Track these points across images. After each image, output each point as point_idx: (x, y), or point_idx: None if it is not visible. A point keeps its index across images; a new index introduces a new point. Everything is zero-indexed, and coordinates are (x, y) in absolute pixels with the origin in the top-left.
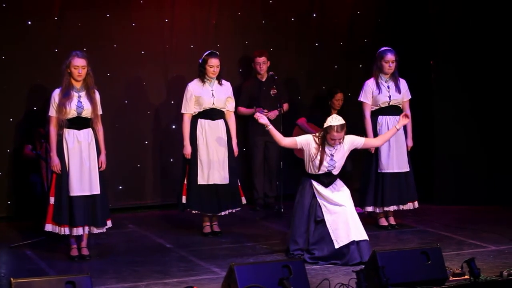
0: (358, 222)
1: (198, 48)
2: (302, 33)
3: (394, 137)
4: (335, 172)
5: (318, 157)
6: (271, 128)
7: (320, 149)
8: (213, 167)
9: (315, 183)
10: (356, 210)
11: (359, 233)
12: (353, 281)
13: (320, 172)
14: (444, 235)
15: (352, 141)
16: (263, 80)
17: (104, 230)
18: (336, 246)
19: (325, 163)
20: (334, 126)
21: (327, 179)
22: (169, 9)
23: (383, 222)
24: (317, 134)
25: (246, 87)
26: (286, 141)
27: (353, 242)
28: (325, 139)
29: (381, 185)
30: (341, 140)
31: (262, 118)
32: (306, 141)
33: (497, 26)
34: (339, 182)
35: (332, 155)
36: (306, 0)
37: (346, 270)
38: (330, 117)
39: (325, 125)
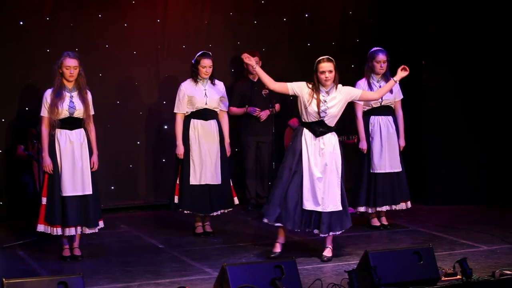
0: (334, 192)
1: (190, 48)
2: (294, 33)
3: (386, 137)
4: (329, 121)
5: (312, 102)
6: (257, 68)
7: (314, 94)
8: (206, 167)
9: (306, 132)
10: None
11: (333, 204)
12: (346, 281)
13: (313, 119)
14: (436, 235)
15: (349, 92)
16: (255, 80)
17: (96, 231)
18: (304, 207)
19: (319, 109)
20: (321, 58)
21: (319, 128)
22: (161, 10)
23: (375, 222)
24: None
25: (238, 87)
26: (276, 85)
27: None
28: (318, 81)
29: (374, 185)
30: (333, 74)
31: (249, 58)
32: (299, 87)
33: (489, 26)
34: (334, 138)
35: (325, 100)
36: (298, 0)
37: (338, 270)
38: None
39: (314, 67)
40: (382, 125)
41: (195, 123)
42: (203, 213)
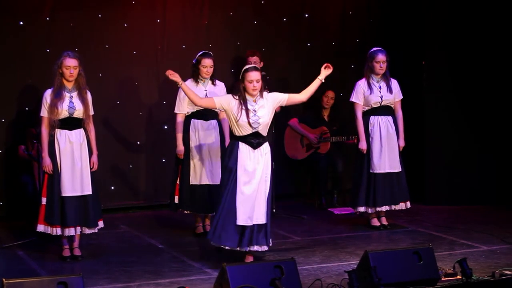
0: (264, 205)
1: (190, 48)
2: (294, 33)
3: (386, 137)
4: (262, 131)
5: (242, 115)
6: (183, 85)
7: (242, 105)
8: (206, 167)
9: (242, 146)
10: (348, 210)
11: (261, 217)
12: (345, 281)
13: (246, 132)
14: (436, 235)
15: (276, 97)
16: None
17: (96, 231)
18: (238, 222)
19: (250, 120)
20: (247, 67)
21: (255, 140)
22: (161, 10)
23: (375, 222)
24: (236, 95)
25: (238, 87)
26: (203, 101)
27: (253, 226)
28: (245, 90)
29: (373, 185)
30: (260, 84)
31: (174, 75)
32: (226, 100)
33: (489, 26)
34: (268, 149)
35: (255, 110)
36: (298, 0)
37: (338, 271)
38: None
39: (241, 75)
40: (382, 125)
41: (195, 123)
42: (203, 213)
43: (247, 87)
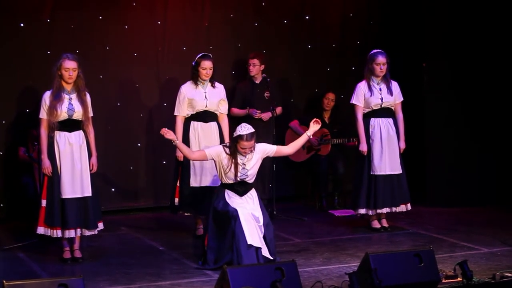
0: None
1: (190, 50)
2: (294, 35)
3: (386, 139)
4: (250, 180)
5: (231, 168)
6: (178, 143)
7: (232, 159)
8: (206, 169)
9: (229, 193)
10: (349, 212)
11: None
12: (346, 283)
13: (232, 182)
14: (437, 237)
15: (264, 149)
16: (257, 82)
17: (96, 232)
18: (248, 242)
19: (238, 173)
20: (244, 135)
21: (241, 188)
22: (162, 11)
23: (376, 224)
24: (227, 144)
25: (240, 88)
26: (195, 155)
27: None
28: (236, 149)
29: (374, 187)
30: (252, 148)
31: (169, 134)
32: (216, 152)
33: (490, 28)
34: (254, 193)
35: (244, 164)
36: (299, 2)
37: (339, 273)
38: (239, 126)
39: (234, 134)
40: (383, 127)
41: (195, 125)
42: (203, 215)
43: (239, 151)
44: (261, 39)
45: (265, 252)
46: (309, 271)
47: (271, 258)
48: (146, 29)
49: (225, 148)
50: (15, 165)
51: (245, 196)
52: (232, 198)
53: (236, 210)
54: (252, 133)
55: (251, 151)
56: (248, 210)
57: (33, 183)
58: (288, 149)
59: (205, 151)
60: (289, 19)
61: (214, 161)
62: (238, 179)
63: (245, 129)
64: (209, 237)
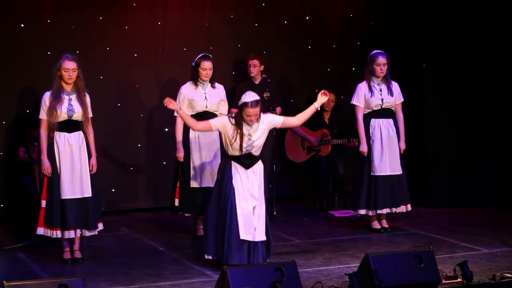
0: (262, 222)
1: (190, 50)
2: (294, 35)
3: (387, 140)
4: (255, 152)
5: (237, 139)
6: (182, 113)
7: (238, 129)
8: (206, 170)
9: (235, 165)
10: (349, 213)
11: (261, 234)
12: (346, 284)
13: (239, 153)
14: (437, 238)
15: (271, 120)
16: (257, 82)
17: (96, 233)
18: (241, 237)
19: (243, 144)
20: (248, 102)
21: (247, 160)
22: (162, 12)
23: (376, 225)
24: (233, 114)
25: (240, 89)
26: (200, 125)
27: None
28: (241, 118)
29: (374, 188)
30: (257, 116)
31: (172, 103)
32: (222, 123)
33: (490, 29)
34: (259, 167)
35: (250, 134)
36: (299, 3)
37: (339, 273)
38: (244, 94)
39: (239, 103)
40: (383, 128)
41: None
42: (203, 216)
43: (245, 119)
44: (261, 40)
45: (259, 236)
46: (309, 271)
47: (263, 239)
48: (146, 29)
49: (231, 119)
50: (15, 166)
51: (251, 169)
52: (238, 171)
53: (234, 201)
54: (257, 100)
55: (257, 120)
56: (247, 194)
57: (33, 183)
58: (295, 121)
59: (210, 122)
60: (289, 20)
61: (220, 132)
62: (244, 150)
63: (250, 96)
64: (210, 208)
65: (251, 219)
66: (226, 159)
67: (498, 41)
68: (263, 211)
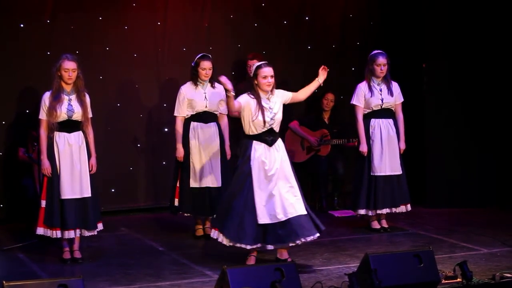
0: (289, 200)
1: (190, 51)
2: (294, 36)
3: (386, 140)
4: (276, 128)
5: (258, 114)
6: (231, 95)
7: (258, 104)
8: (206, 170)
9: (256, 145)
10: (349, 213)
11: (294, 210)
12: (346, 284)
13: (261, 130)
14: (437, 238)
15: (283, 94)
16: None
17: (95, 233)
18: (259, 222)
19: (266, 118)
20: (260, 64)
21: (270, 137)
22: (162, 12)
23: (376, 225)
24: (248, 92)
25: (239, 89)
26: (235, 107)
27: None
28: (259, 85)
29: (374, 187)
30: (273, 78)
31: (229, 83)
32: (246, 100)
33: (489, 29)
34: (281, 143)
35: (271, 108)
36: (298, 3)
37: (339, 273)
38: (252, 66)
39: (252, 73)
40: (383, 128)
41: (195, 126)
42: (203, 215)
43: (261, 83)
44: (261, 40)
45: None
46: (308, 271)
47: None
48: (146, 29)
49: (250, 95)
50: (14, 166)
51: (274, 146)
52: (260, 153)
53: (251, 183)
54: (267, 62)
55: (272, 92)
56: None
57: (32, 183)
58: (301, 96)
59: (239, 101)
60: (289, 20)
61: (243, 111)
62: (267, 125)
63: (260, 62)
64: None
65: (271, 202)
66: (247, 140)
67: (498, 41)
68: (291, 189)
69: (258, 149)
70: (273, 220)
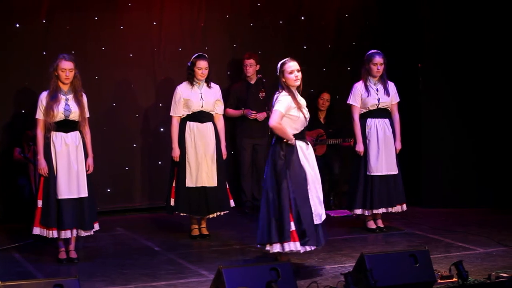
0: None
1: (186, 51)
2: (290, 35)
3: (383, 140)
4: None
5: (300, 112)
6: (291, 137)
7: (295, 102)
8: (202, 169)
9: (299, 144)
10: (344, 213)
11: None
12: (342, 284)
13: (301, 128)
14: (432, 238)
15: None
16: (252, 82)
17: (92, 233)
18: (316, 222)
19: (306, 115)
20: (284, 60)
21: (303, 134)
22: (158, 12)
23: (372, 224)
24: (279, 93)
25: (235, 89)
26: (282, 123)
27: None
28: (289, 82)
29: (370, 187)
30: (299, 71)
31: (292, 138)
32: (288, 105)
33: (486, 29)
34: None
35: (305, 105)
36: (294, 3)
37: (334, 273)
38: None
39: (278, 71)
40: (379, 127)
41: (191, 125)
42: (199, 215)
43: (289, 79)
44: (256, 40)
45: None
46: (304, 271)
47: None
48: (142, 29)
49: (285, 96)
50: (10, 166)
51: (308, 145)
52: (302, 154)
53: (303, 185)
54: (290, 58)
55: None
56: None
57: (29, 183)
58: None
59: (281, 112)
60: (284, 20)
61: (288, 115)
62: (307, 122)
63: (284, 59)
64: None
65: (319, 202)
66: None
67: (494, 41)
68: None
69: (301, 150)
70: (320, 220)
